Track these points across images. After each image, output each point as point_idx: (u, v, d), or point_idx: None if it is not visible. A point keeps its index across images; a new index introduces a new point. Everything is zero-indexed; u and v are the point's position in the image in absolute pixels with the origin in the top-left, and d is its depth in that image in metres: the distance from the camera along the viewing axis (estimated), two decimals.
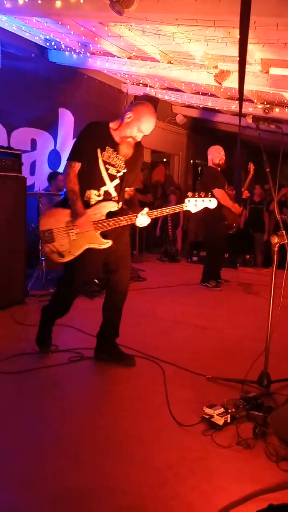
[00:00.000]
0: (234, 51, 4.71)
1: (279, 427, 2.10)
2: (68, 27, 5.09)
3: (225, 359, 3.25)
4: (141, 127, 2.83)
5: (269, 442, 2.07)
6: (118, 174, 2.84)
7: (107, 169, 2.79)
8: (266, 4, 2.42)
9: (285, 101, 6.49)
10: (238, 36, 4.14)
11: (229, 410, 2.27)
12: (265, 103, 6.68)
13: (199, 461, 1.95)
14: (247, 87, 6.00)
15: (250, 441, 2.08)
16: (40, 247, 2.89)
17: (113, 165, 2.82)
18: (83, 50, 5.99)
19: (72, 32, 5.26)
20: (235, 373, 2.81)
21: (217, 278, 5.78)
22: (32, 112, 5.93)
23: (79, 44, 5.80)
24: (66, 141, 6.63)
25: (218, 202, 5.17)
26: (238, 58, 2.64)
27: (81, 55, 6.08)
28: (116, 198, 2.86)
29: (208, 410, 2.27)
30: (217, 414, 2.23)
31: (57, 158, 6.56)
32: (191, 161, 11.21)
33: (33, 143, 6.18)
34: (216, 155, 5.40)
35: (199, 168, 12.35)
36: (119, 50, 5.77)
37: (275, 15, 3.20)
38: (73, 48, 5.98)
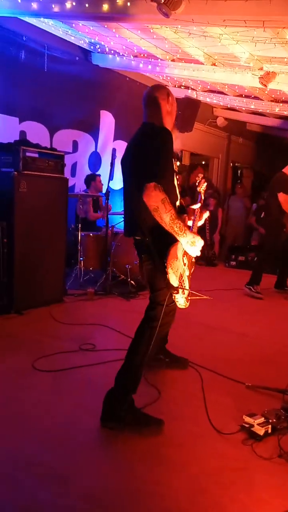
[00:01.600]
0: (282, 53, 4.62)
1: None
2: (114, 30, 5.14)
3: (265, 367, 3.16)
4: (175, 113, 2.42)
5: None
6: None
7: (177, 180, 2.37)
8: None
9: None
10: (287, 37, 4.06)
11: (270, 420, 2.20)
12: None
13: (239, 471, 1.90)
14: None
15: None
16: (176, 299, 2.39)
17: (176, 172, 2.37)
18: (126, 52, 6.03)
19: (117, 35, 5.31)
20: (276, 382, 2.72)
21: (284, 287, 5.67)
22: (74, 114, 6.04)
23: (123, 47, 5.85)
24: (106, 143, 6.70)
25: (280, 209, 5.14)
26: None
27: (125, 58, 6.12)
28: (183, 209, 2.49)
29: (248, 419, 2.21)
30: (258, 424, 2.16)
31: (97, 160, 6.64)
32: (231, 164, 11.06)
33: (75, 145, 6.28)
34: None
35: (239, 171, 12.17)
36: (163, 53, 5.77)
37: None
38: (117, 51, 6.03)
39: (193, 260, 2.44)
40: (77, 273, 5.23)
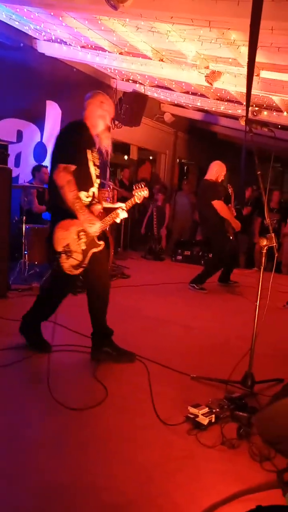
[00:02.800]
0: (227, 53, 4.74)
1: (263, 428, 2.12)
2: (60, 18, 5.01)
3: (209, 358, 3.27)
4: (111, 112, 2.87)
5: (253, 442, 2.08)
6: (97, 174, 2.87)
7: (95, 170, 2.83)
8: (265, 6, 2.42)
9: (274, 104, 6.56)
10: (232, 38, 4.18)
11: (214, 410, 2.28)
12: (254, 105, 6.74)
13: (185, 460, 1.96)
14: (236, 89, 6.05)
15: (234, 441, 2.09)
16: (55, 264, 2.77)
17: (97, 166, 2.85)
18: (74, 42, 5.91)
19: (64, 24, 5.18)
20: (220, 373, 2.82)
21: (227, 281, 5.81)
22: (19, 103, 5.83)
23: (70, 37, 5.72)
24: (52, 134, 6.54)
25: (219, 216, 5.23)
26: (247, 61, 2.63)
27: (72, 48, 6.00)
28: (98, 198, 2.91)
29: (192, 410, 2.28)
30: (202, 414, 2.24)
31: (43, 150, 6.47)
32: (178, 160, 11.24)
33: (19, 135, 6.07)
34: (220, 171, 5.37)
35: (185, 168, 12.39)
36: (111, 45, 5.72)
37: (270, 18, 3.22)
38: (64, 40, 5.89)
39: (99, 242, 2.88)
40: (21, 267, 5.08)
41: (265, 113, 6.83)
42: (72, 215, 2.70)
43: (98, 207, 2.87)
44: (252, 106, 6.84)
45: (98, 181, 2.87)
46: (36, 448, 1.97)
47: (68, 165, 2.58)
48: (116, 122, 7.83)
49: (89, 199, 2.82)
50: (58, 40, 5.93)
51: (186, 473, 1.87)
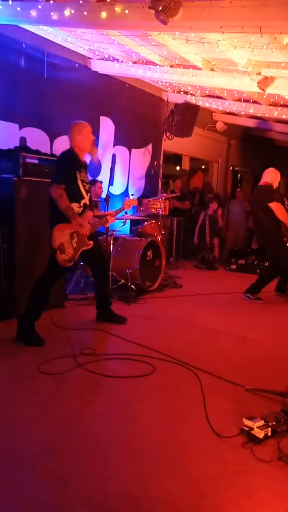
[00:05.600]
0: (280, 57, 4.65)
1: None
2: (112, 37, 5.18)
3: (265, 370, 3.17)
4: (90, 139, 3.68)
5: None
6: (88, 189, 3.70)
7: (84, 186, 3.62)
8: None
9: None
10: (285, 42, 4.10)
11: (270, 423, 2.20)
12: None
13: (239, 475, 1.91)
14: (286, 92, 5.88)
15: None
16: (56, 256, 3.45)
17: (86, 183, 3.69)
18: (125, 59, 6.08)
19: (116, 42, 5.35)
20: (276, 385, 2.73)
21: (285, 290, 5.67)
22: (74, 120, 6.05)
23: (122, 54, 5.89)
24: (106, 148, 6.73)
25: (275, 220, 5.12)
26: None
27: (123, 64, 6.17)
28: (90, 208, 3.74)
29: (247, 422, 2.22)
30: (257, 427, 2.17)
31: (97, 165, 6.67)
32: (231, 168, 11.10)
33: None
34: (275, 178, 5.31)
35: (239, 175, 12.20)
36: (162, 59, 5.81)
37: None
38: (116, 57, 6.08)
39: (89, 242, 3.68)
40: (77, 277, 5.25)
41: None
42: (67, 221, 3.43)
43: (89, 214, 3.68)
44: None
45: (89, 194, 3.70)
46: (89, 455, 2.01)
47: (59, 184, 3.40)
48: (168, 134, 7.91)
49: (81, 208, 3.60)
50: (111, 58, 6.12)
51: (240, 488, 1.82)
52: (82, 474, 1.86)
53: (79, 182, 3.58)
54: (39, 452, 2.00)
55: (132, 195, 4.61)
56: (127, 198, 4.42)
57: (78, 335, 3.67)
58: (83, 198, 3.62)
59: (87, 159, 3.86)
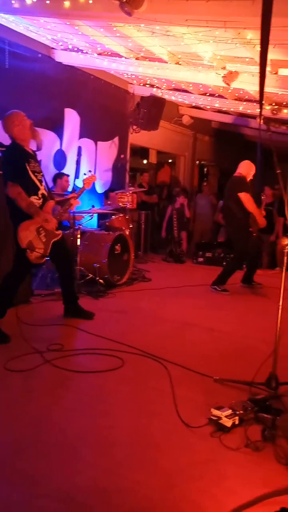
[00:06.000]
0: (244, 52, 4.71)
1: None
2: (76, 27, 5.09)
3: (232, 361, 3.23)
4: (27, 125, 3.51)
5: (278, 444, 2.05)
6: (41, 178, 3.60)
7: (36, 176, 3.52)
8: (277, 4, 2.39)
9: None
10: (248, 37, 4.15)
11: (237, 412, 2.25)
12: (274, 104, 6.65)
13: (208, 463, 1.94)
14: (254, 88, 5.98)
15: (259, 443, 2.06)
16: (27, 255, 3.42)
17: (38, 172, 3.57)
18: (90, 50, 5.98)
19: (80, 32, 5.26)
20: (243, 375, 2.79)
21: (250, 282, 5.77)
22: (38, 111, 5.90)
23: (86, 45, 5.80)
24: (72, 141, 6.62)
25: (244, 211, 5.20)
26: (259, 60, 2.60)
27: (88, 56, 6.07)
28: (48, 196, 3.65)
29: (215, 412, 2.26)
30: (225, 416, 2.21)
31: (63, 158, 6.56)
32: (197, 162, 11.20)
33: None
34: (249, 170, 5.40)
35: (205, 169, 12.33)
36: (127, 51, 5.76)
37: (286, 15, 3.18)
38: (80, 48, 5.97)
39: (57, 232, 3.63)
40: (43, 273, 5.16)
41: (285, 111, 6.73)
42: (28, 217, 3.38)
43: (51, 204, 3.60)
44: (271, 104, 6.76)
45: (44, 183, 3.60)
46: (57, 451, 1.99)
47: (14, 182, 3.32)
48: (134, 127, 7.88)
49: (41, 200, 3.53)
50: (75, 49, 6.01)
51: (210, 476, 1.85)
52: (51, 470, 1.84)
53: (31, 174, 3.48)
54: (7, 451, 1.96)
55: (90, 171, 4.53)
56: (84, 175, 4.28)
57: (46, 331, 3.61)
58: (39, 189, 3.54)
59: (33, 146, 3.73)
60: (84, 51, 6.02)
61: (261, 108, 2.71)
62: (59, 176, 5.93)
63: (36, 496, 1.68)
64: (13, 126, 3.46)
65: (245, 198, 5.22)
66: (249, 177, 5.42)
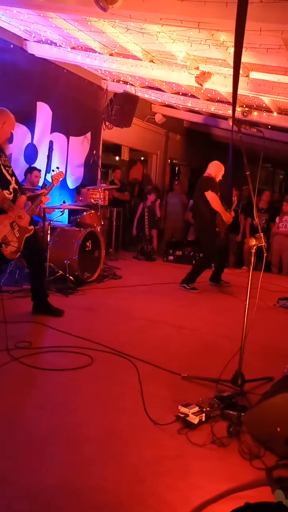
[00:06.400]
0: (216, 54, 4.77)
1: (252, 426, 2.14)
2: (50, 19, 5.00)
3: (200, 358, 3.28)
4: (12, 126, 3.61)
5: (243, 440, 2.10)
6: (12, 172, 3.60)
7: (7, 171, 3.51)
8: (250, 8, 2.44)
9: (264, 105, 6.61)
10: (221, 39, 4.21)
11: (204, 409, 2.29)
12: (244, 106, 6.78)
13: (175, 459, 1.97)
14: (226, 89, 6.08)
15: (225, 439, 2.11)
16: (2, 251, 3.42)
17: (9, 166, 3.57)
18: (64, 43, 5.90)
19: (53, 25, 5.18)
20: (211, 372, 2.84)
21: (218, 281, 5.83)
22: (9, 104, 5.72)
23: (60, 38, 5.72)
24: (43, 135, 6.52)
25: (211, 210, 5.26)
26: (233, 62, 2.64)
27: (62, 49, 5.99)
28: (21, 191, 3.66)
29: (183, 409, 2.29)
30: (192, 413, 2.25)
31: (34, 152, 6.45)
32: (169, 160, 11.27)
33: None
34: (219, 171, 5.45)
35: (177, 168, 12.43)
36: (101, 46, 5.73)
37: (259, 20, 3.25)
38: (54, 41, 5.88)
39: (29, 227, 3.65)
40: (12, 268, 5.06)
41: (255, 113, 6.88)
42: (2, 211, 3.38)
43: (23, 199, 3.61)
44: (242, 106, 6.89)
45: (14, 177, 3.59)
46: (26, 449, 1.97)
47: None
48: (107, 123, 7.84)
49: (12, 194, 3.51)
50: (48, 42, 5.92)
51: (176, 472, 1.88)
52: (19, 469, 1.82)
53: (2, 168, 3.47)
54: None
55: (57, 167, 4.51)
56: (52, 172, 4.31)
57: (13, 328, 3.54)
58: (10, 183, 3.52)
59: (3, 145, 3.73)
60: (58, 44, 5.93)
61: (234, 110, 2.75)
62: (30, 170, 5.83)
63: (3, 496, 1.66)
64: (0, 123, 3.50)
65: (212, 197, 5.28)
66: (218, 178, 5.50)
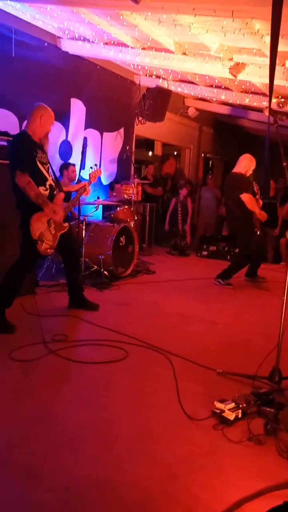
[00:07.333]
0: (251, 43, 4.64)
1: None
2: (83, 15, 5.03)
3: (235, 354, 3.23)
4: (51, 120, 3.58)
5: (280, 438, 2.05)
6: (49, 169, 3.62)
7: (44, 167, 3.50)
8: None
9: None
10: (256, 27, 4.09)
11: (240, 405, 2.25)
12: (280, 97, 6.56)
13: (209, 456, 1.94)
14: (261, 80, 5.91)
15: (261, 437, 2.07)
16: (37, 248, 3.43)
17: (45, 163, 3.55)
18: (96, 39, 5.92)
19: (86, 21, 5.20)
20: (246, 368, 2.79)
21: (254, 276, 5.75)
22: (43, 101, 5.80)
23: (93, 34, 5.74)
24: (77, 131, 6.59)
25: (246, 210, 5.15)
26: (269, 52, 2.56)
27: (95, 45, 6.01)
28: (58, 187, 3.68)
29: (218, 405, 2.26)
30: (228, 409, 2.22)
31: (68, 148, 6.53)
32: (202, 154, 11.13)
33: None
34: (250, 165, 5.30)
35: (210, 162, 12.26)
36: (133, 40, 5.70)
37: None
38: (87, 37, 5.91)
39: (65, 224, 3.65)
40: (48, 264, 5.17)
41: None
42: (39, 209, 3.37)
43: (61, 196, 3.61)
44: (278, 97, 6.67)
45: (50, 174, 3.61)
46: (59, 444, 1.99)
47: (23, 171, 3.28)
48: (140, 118, 7.82)
49: (48, 191, 3.50)
50: (81, 38, 5.95)
51: (209, 469, 1.86)
52: (52, 464, 1.85)
53: (39, 164, 3.46)
54: (9, 443, 1.97)
55: (96, 165, 4.52)
56: (90, 169, 4.29)
57: (50, 322, 3.62)
58: (47, 179, 3.52)
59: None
60: (91, 41, 5.96)
61: (270, 101, 2.67)
62: (66, 166, 5.91)
63: (37, 490, 1.69)
64: (37, 118, 3.47)
65: (247, 199, 5.15)
66: (249, 173, 5.34)
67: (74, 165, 5.89)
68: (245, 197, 5.15)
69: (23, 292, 3.98)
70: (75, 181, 5.56)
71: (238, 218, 5.34)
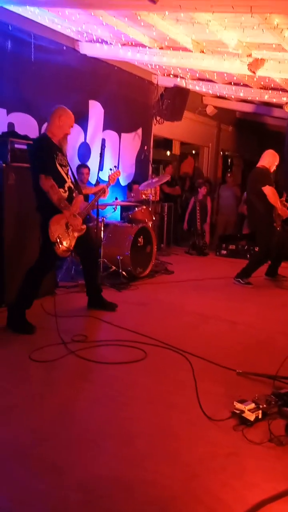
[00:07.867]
0: (270, 38, 4.59)
1: None
2: (101, 18, 5.06)
3: (255, 354, 3.19)
4: (71, 122, 3.60)
5: None
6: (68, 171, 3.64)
7: (63, 169, 3.52)
8: None
9: None
10: (275, 22, 4.04)
11: (261, 406, 2.23)
12: None
13: (230, 456, 1.93)
14: (281, 75, 5.83)
15: (283, 438, 2.04)
16: (55, 250, 3.46)
17: (65, 165, 3.58)
18: (114, 41, 5.95)
19: (104, 23, 5.23)
20: (266, 368, 2.75)
21: (275, 275, 5.68)
22: (62, 104, 5.92)
23: (111, 35, 5.77)
24: (96, 133, 6.63)
25: (267, 204, 5.09)
26: None
27: (112, 47, 6.04)
28: (78, 190, 3.69)
29: (238, 405, 2.24)
30: (248, 410, 2.19)
31: (87, 150, 6.58)
32: (221, 153, 11.04)
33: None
34: (273, 161, 5.28)
35: (229, 160, 12.15)
36: (151, 41, 5.70)
37: None
38: (105, 39, 5.95)
39: (82, 227, 3.64)
40: (68, 265, 5.22)
41: None
42: (56, 210, 3.40)
43: (81, 198, 3.63)
44: None
45: (70, 177, 3.63)
46: (80, 442, 2.01)
47: (47, 174, 3.33)
48: (158, 118, 7.81)
49: (67, 193, 3.52)
50: (99, 40, 5.99)
51: (231, 470, 1.84)
52: (73, 461, 1.87)
53: (58, 167, 3.48)
54: (32, 441, 2.00)
55: (115, 166, 4.48)
56: (110, 171, 4.25)
57: (70, 323, 3.66)
58: (65, 181, 3.54)
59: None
60: (109, 42, 5.99)
61: None
62: (77, 169, 5.96)
63: (60, 487, 1.71)
64: (57, 119, 3.51)
65: (270, 191, 5.10)
66: (273, 168, 5.29)
67: (86, 166, 5.93)
68: (268, 190, 5.09)
69: (43, 293, 4.04)
70: (89, 183, 5.59)
71: (259, 213, 5.28)
